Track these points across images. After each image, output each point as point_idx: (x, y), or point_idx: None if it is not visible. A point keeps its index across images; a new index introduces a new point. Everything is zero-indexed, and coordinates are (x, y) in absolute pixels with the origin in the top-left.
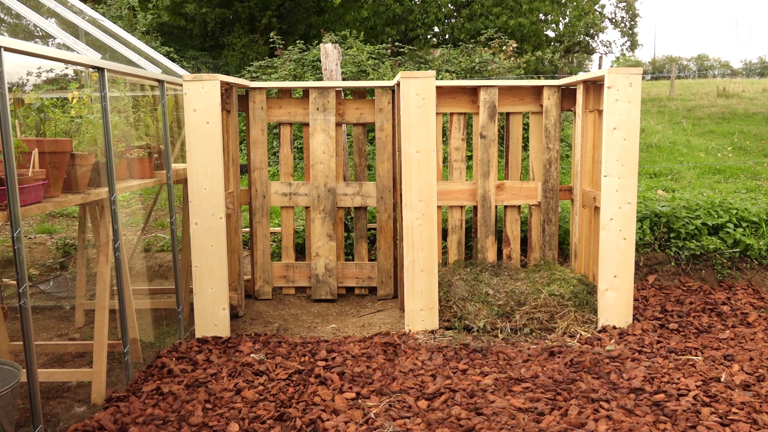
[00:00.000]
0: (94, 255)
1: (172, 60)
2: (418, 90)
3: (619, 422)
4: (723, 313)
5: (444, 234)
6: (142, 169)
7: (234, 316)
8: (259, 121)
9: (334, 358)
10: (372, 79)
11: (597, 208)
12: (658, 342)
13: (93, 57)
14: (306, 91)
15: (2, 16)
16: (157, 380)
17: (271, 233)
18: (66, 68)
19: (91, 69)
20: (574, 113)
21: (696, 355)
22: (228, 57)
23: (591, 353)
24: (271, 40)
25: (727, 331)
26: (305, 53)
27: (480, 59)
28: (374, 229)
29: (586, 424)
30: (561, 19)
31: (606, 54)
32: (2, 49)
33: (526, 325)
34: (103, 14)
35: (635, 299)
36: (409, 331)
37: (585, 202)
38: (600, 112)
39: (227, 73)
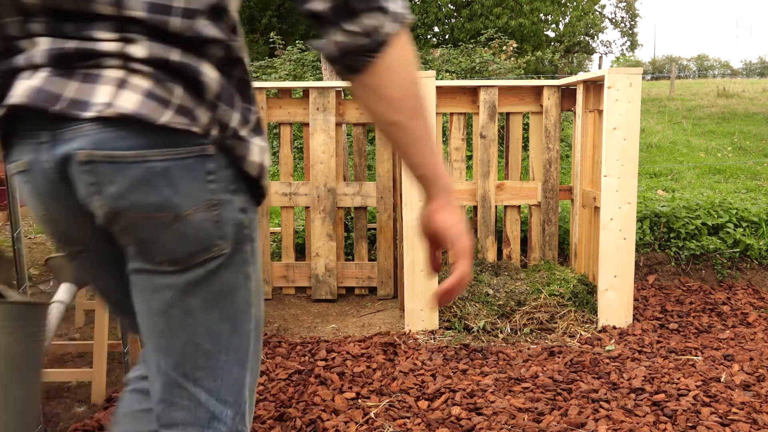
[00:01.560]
0: None
1: None
2: None
3: (619, 422)
4: (723, 313)
5: None
6: None
7: None
8: None
9: (333, 358)
10: None
11: (597, 208)
12: (658, 342)
13: None
14: (306, 91)
15: None
16: None
17: (271, 233)
18: None
19: None
20: (574, 113)
21: (696, 355)
22: None
23: (591, 353)
24: (271, 40)
25: (727, 331)
26: (305, 53)
27: (480, 59)
28: (374, 229)
29: (586, 424)
30: (561, 19)
31: (606, 54)
32: None
33: (526, 325)
34: None
35: (635, 299)
36: (409, 331)
37: (585, 202)
38: (600, 112)
39: None
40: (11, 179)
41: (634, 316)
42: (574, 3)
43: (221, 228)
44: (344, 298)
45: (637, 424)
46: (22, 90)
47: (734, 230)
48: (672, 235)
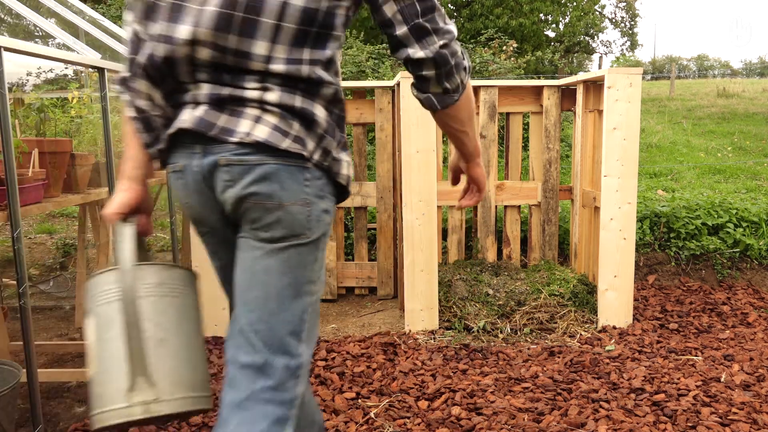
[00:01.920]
0: (94, 255)
1: None
2: None
3: (620, 422)
4: (723, 313)
5: (444, 234)
6: None
7: None
8: None
9: (333, 358)
10: (372, 79)
11: (597, 208)
12: (658, 342)
13: (93, 57)
14: None
15: (2, 16)
16: None
17: None
18: (66, 68)
19: (91, 69)
20: (574, 113)
21: (696, 355)
22: None
23: (591, 353)
24: None
25: (727, 331)
26: None
27: (480, 59)
28: (374, 229)
29: (586, 424)
30: (561, 19)
31: (606, 54)
32: (2, 49)
33: (526, 325)
34: (103, 14)
35: (635, 299)
36: (409, 331)
37: (585, 202)
38: (600, 112)
39: None
40: (11, 179)
41: (634, 316)
42: (574, 3)
43: (309, 222)
44: (344, 298)
45: (637, 424)
46: (187, 118)
47: (734, 230)
48: (672, 235)
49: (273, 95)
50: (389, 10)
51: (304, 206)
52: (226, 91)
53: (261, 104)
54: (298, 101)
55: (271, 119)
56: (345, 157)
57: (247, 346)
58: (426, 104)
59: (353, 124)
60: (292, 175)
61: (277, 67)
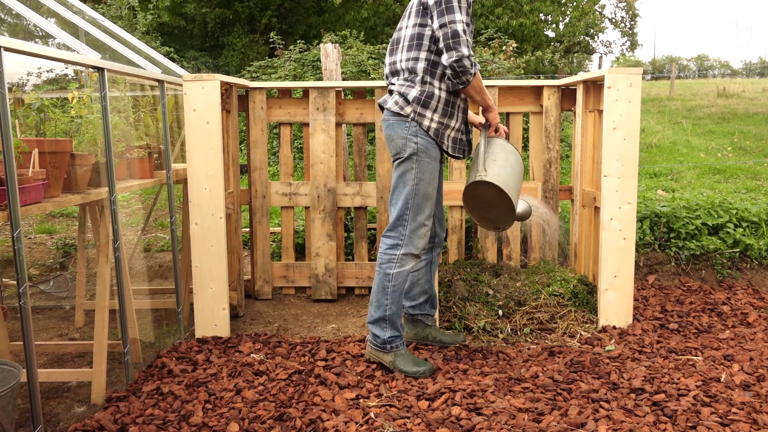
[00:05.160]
0: (94, 255)
1: (172, 60)
2: None
3: (620, 422)
4: (723, 313)
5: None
6: (142, 169)
7: (234, 316)
8: (259, 121)
9: (333, 358)
10: (372, 79)
11: (597, 208)
12: (658, 342)
13: (93, 57)
14: (306, 91)
15: (2, 16)
16: (157, 380)
17: (271, 233)
18: (66, 68)
19: (91, 69)
20: (574, 113)
21: (696, 355)
22: (228, 57)
23: (591, 353)
24: (271, 40)
25: (727, 331)
26: (305, 53)
27: (480, 59)
28: (374, 229)
29: (586, 424)
30: (561, 19)
31: (606, 54)
32: (2, 49)
33: (526, 325)
34: (103, 14)
35: (635, 299)
36: None
37: (585, 202)
38: (600, 112)
39: (227, 73)
40: (11, 179)
41: (634, 316)
42: (574, 3)
43: (405, 147)
44: (344, 298)
45: (637, 424)
46: (384, 98)
47: (734, 230)
48: (672, 235)
49: (403, 88)
50: (438, 33)
51: (404, 140)
52: (391, 87)
53: (397, 91)
54: (408, 90)
55: (397, 98)
56: (429, 115)
57: (390, 215)
58: (452, 84)
59: (353, 124)
60: (399, 124)
61: (404, 74)
